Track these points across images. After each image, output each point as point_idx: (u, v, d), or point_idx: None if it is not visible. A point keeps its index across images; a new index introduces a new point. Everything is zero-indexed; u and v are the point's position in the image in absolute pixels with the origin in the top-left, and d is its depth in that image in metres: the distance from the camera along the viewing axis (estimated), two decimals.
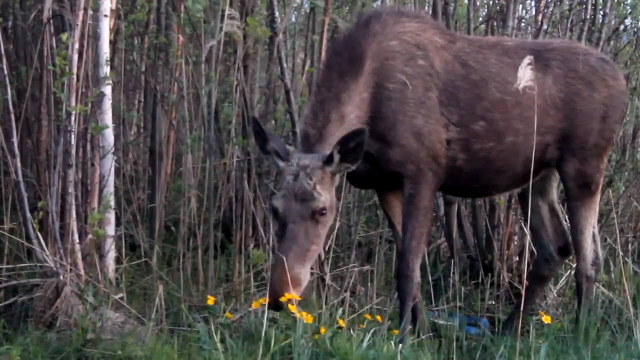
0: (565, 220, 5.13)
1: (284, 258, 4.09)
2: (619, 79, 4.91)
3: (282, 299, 4.03)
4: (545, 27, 6.04)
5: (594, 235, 4.92)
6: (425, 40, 4.59)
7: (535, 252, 5.16)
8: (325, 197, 4.24)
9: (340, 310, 4.33)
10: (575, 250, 4.94)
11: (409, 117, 4.49)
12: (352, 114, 4.43)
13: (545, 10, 6.09)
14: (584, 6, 6.10)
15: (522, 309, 4.62)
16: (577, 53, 4.83)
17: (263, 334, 3.94)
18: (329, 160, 4.26)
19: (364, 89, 4.46)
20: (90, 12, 4.77)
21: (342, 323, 4.16)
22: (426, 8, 6.38)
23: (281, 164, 4.32)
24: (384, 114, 4.47)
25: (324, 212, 4.24)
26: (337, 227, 5.34)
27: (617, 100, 4.88)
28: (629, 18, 6.87)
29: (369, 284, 5.19)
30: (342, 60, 4.48)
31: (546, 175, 4.99)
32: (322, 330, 4.06)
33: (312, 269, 4.52)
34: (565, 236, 5.08)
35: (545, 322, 4.58)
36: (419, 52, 4.56)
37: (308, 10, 6.40)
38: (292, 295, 4.05)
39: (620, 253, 5.45)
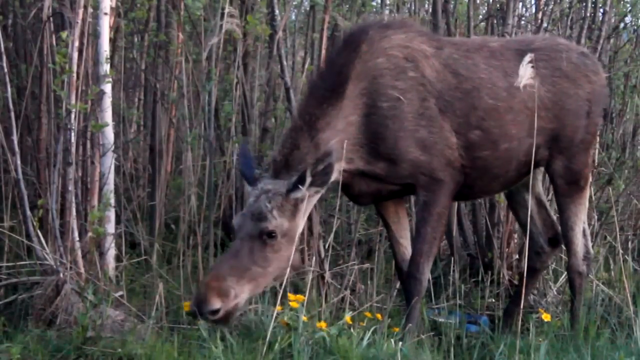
0: (555, 213, 5.14)
1: (218, 267, 4.11)
2: (599, 73, 4.89)
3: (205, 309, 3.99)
4: (545, 25, 6.03)
5: (584, 230, 4.93)
6: (414, 51, 4.52)
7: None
8: (279, 221, 4.18)
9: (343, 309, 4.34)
10: (567, 246, 4.95)
11: (410, 131, 4.43)
12: (333, 138, 4.32)
13: (545, 8, 6.07)
14: (584, 4, 6.09)
15: (521, 305, 4.62)
16: (559, 50, 4.80)
17: (269, 334, 3.94)
18: (296, 184, 4.21)
19: (350, 112, 4.38)
20: (90, 10, 4.77)
21: (349, 320, 4.16)
22: (426, 6, 6.38)
23: (248, 188, 4.37)
24: (382, 134, 4.40)
25: (273, 235, 4.17)
26: (337, 225, 5.35)
27: (600, 94, 4.88)
28: (629, 16, 6.89)
29: (369, 282, 5.19)
30: (324, 86, 4.41)
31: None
32: (323, 324, 4.06)
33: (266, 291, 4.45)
34: (555, 227, 5.08)
35: (545, 320, 4.58)
36: (408, 65, 4.49)
37: (308, 8, 6.41)
38: (215, 304, 4.01)
39: (620, 251, 5.44)
